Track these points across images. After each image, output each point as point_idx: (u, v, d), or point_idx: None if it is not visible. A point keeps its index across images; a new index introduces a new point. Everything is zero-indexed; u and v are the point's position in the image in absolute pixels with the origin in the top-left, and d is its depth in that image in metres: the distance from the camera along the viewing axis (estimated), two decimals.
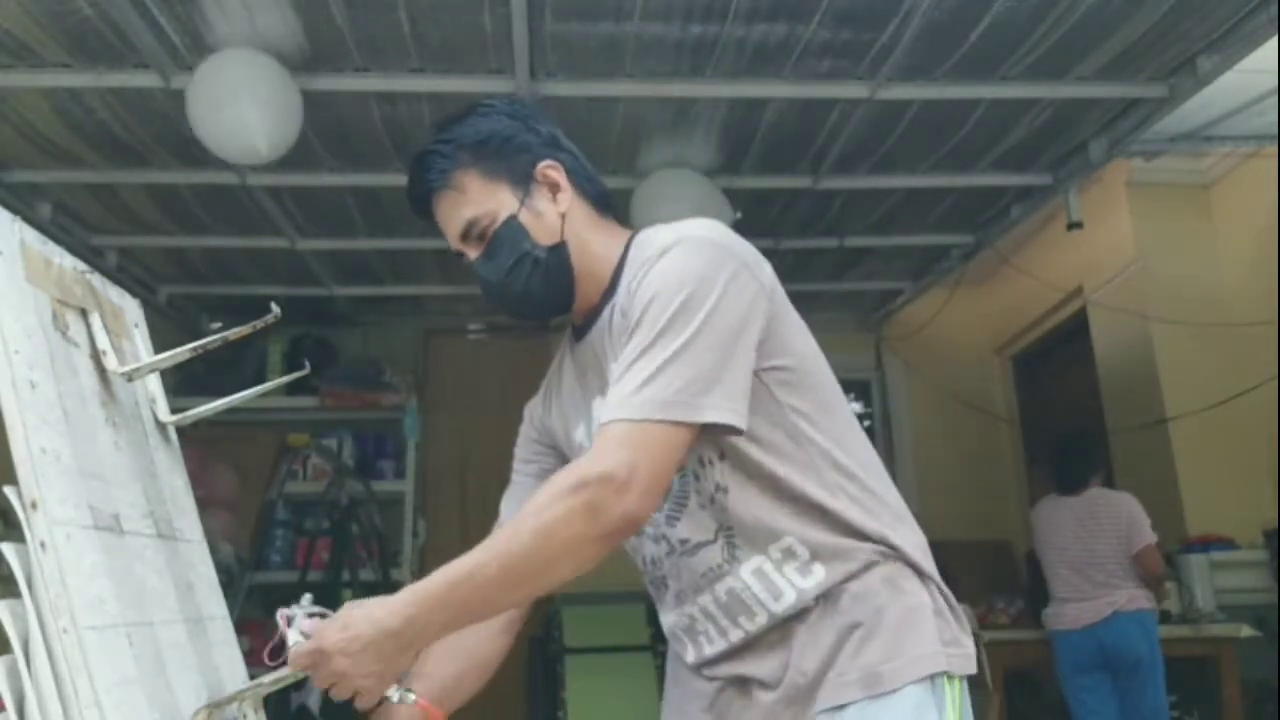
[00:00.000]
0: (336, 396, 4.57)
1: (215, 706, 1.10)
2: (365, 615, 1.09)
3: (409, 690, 1.15)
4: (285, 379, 1.52)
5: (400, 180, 3.77)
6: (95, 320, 1.19)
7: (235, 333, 1.26)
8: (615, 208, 1.43)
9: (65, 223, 3.55)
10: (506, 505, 1.48)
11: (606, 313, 1.33)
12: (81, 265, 1.23)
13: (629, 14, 2.53)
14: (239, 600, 4.04)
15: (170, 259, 4.15)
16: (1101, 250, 4.61)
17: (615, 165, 3.32)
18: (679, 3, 2.50)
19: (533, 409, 1.54)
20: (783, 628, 1.25)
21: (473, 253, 1.36)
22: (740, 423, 1.17)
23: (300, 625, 1.11)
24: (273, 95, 2.57)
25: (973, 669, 1.24)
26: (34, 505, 0.93)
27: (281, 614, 1.12)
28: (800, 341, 1.29)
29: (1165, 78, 2.97)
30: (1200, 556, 4.10)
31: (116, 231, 3.75)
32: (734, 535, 1.26)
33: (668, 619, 1.38)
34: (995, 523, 5.19)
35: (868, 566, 1.23)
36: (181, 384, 4.04)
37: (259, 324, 1.28)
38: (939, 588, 1.26)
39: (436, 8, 2.47)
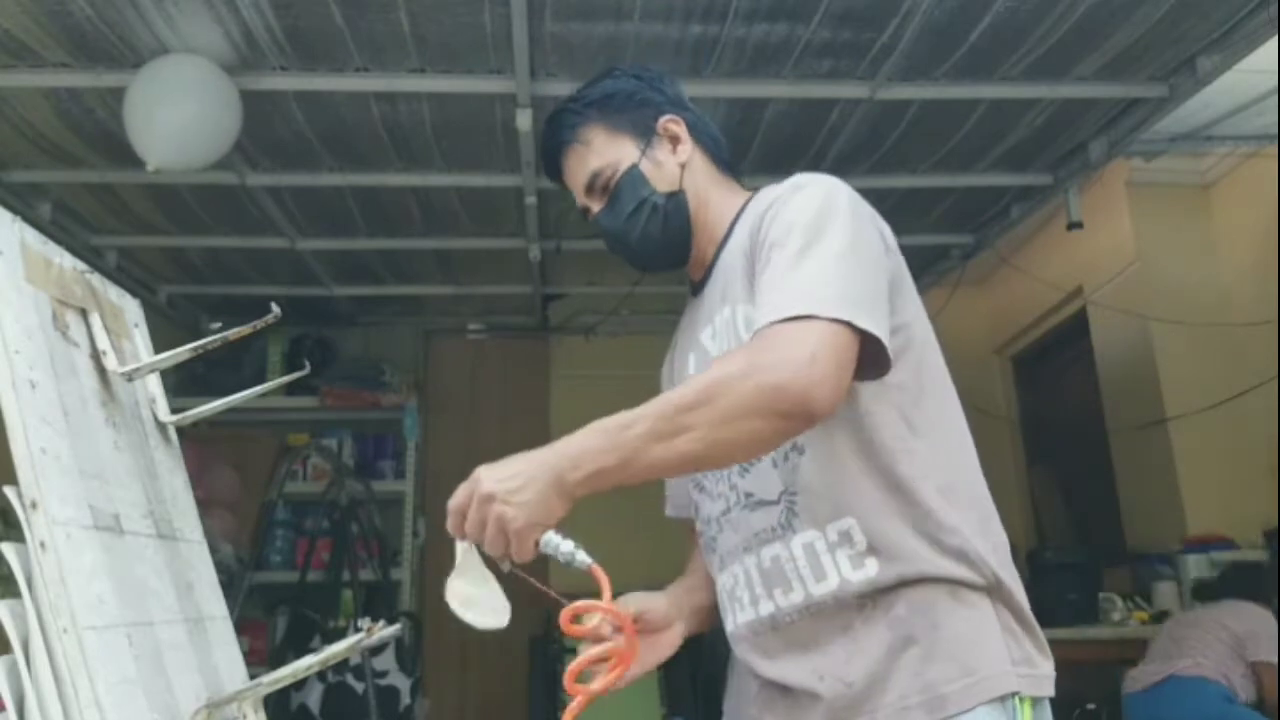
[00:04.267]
0: (336, 396, 4.57)
1: (215, 706, 1.10)
2: (518, 457, 1.07)
3: (579, 549, 1.07)
4: (285, 379, 1.53)
5: (400, 180, 3.79)
6: (95, 320, 1.20)
7: (235, 333, 1.27)
8: (737, 171, 1.49)
9: (65, 223, 3.54)
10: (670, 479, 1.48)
11: (720, 261, 1.36)
12: (81, 265, 1.23)
13: (629, 14, 2.53)
14: (239, 600, 4.04)
15: (170, 259, 4.15)
16: (1101, 250, 4.61)
17: None
18: (679, 3, 2.50)
19: (663, 378, 1.55)
20: (813, 626, 1.20)
21: (596, 206, 1.42)
22: (893, 355, 1.13)
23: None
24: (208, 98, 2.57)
25: (1049, 691, 1.17)
26: (34, 505, 0.93)
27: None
28: (912, 311, 1.25)
29: (1165, 78, 2.97)
30: (1200, 556, 4.09)
31: (116, 231, 3.75)
32: (796, 502, 1.22)
33: (717, 582, 1.36)
34: None
35: (927, 577, 1.15)
36: (181, 384, 4.04)
37: (259, 324, 1.28)
38: (1012, 603, 1.19)
39: (436, 8, 2.47)
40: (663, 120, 1.42)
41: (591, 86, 1.45)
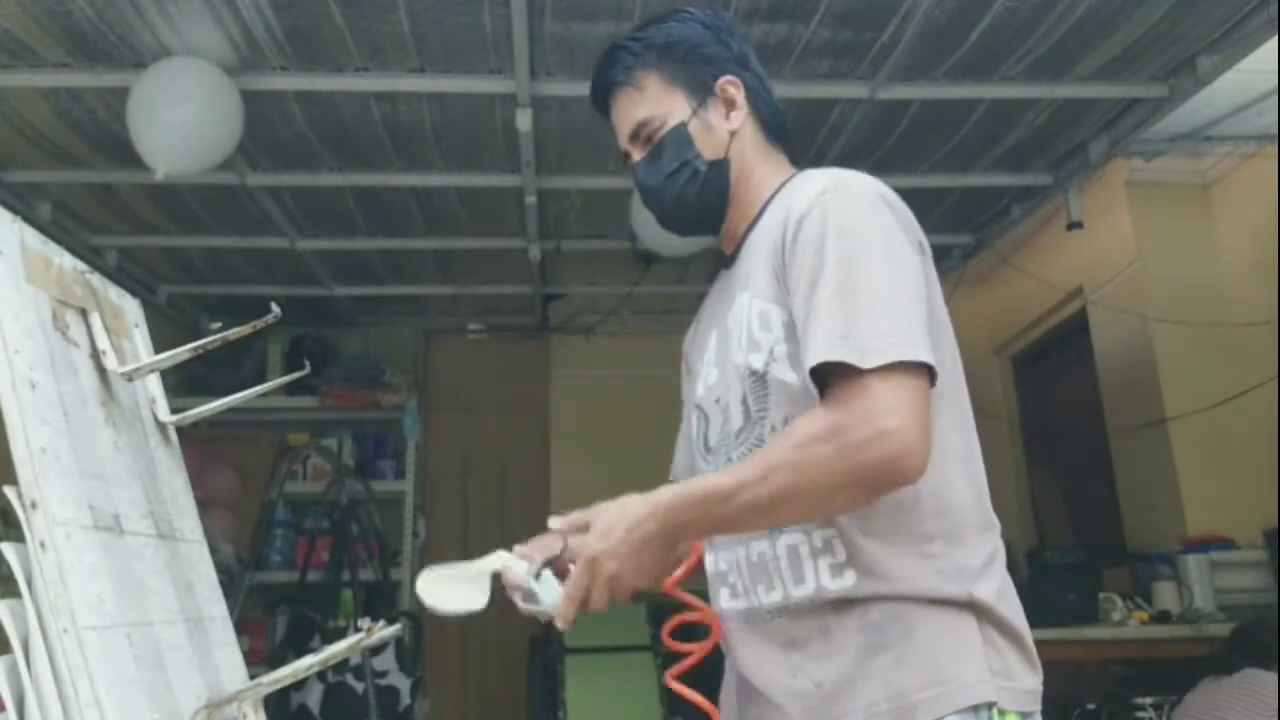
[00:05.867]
0: (336, 396, 4.57)
1: (215, 706, 1.10)
2: (620, 514, 1.12)
3: None
4: (285, 379, 1.53)
5: (400, 180, 3.79)
6: (95, 320, 1.20)
7: (235, 333, 1.27)
8: (789, 140, 1.43)
9: (65, 223, 3.54)
10: (679, 448, 1.49)
11: (749, 242, 1.33)
12: (81, 265, 1.23)
13: (629, 14, 2.53)
14: (239, 600, 4.04)
15: (170, 259, 4.15)
16: (1101, 250, 4.61)
17: (615, 166, 3.32)
18: (679, 3, 2.50)
19: (685, 344, 1.52)
20: (791, 625, 1.19)
21: (637, 155, 1.37)
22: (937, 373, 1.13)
23: (542, 587, 1.16)
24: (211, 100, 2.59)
25: (1032, 706, 1.14)
26: (34, 505, 0.93)
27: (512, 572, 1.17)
28: (937, 332, 1.21)
29: (1165, 78, 2.97)
30: (1200, 556, 4.09)
31: (116, 231, 3.75)
32: None
33: (708, 559, 1.36)
34: None
35: (903, 596, 1.14)
36: (181, 384, 4.04)
37: (259, 324, 1.28)
38: (995, 619, 1.15)
39: (436, 8, 2.47)
40: (722, 81, 1.36)
41: (657, 26, 1.38)
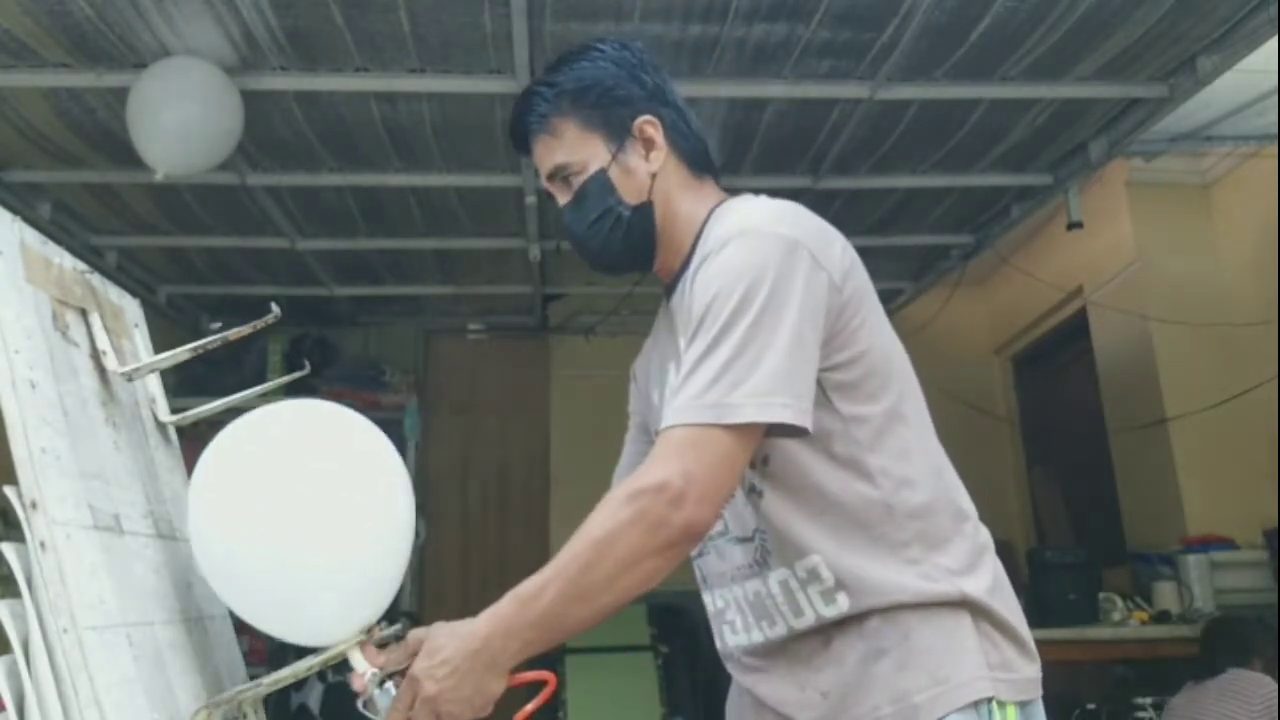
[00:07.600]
0: (336, 396, 4.55)
1: (215, 706, 1.10)
2: (449, 635, 1.10)
3: None
4: (285, 379, 1.53)
5: (400, 180, 3.79)
6: (95, 320, 1.19)
7: (235, 333, 1.27)
8: (713, 169, 1.40)
9: (65, 223, 3.55)
10: (624, 455, 1.51)
11: (683, 282, 1.30)
12: (81, 265, 1.22)
13: (629, 14, 2.53)
14: None
15: (170, 259, 4.15)
16: (1101, 250, 4.61)
17: None
18: (679, 3, 2.50)
19: (635, 364, 1.51)
20: (797, 643, 1.21)
21: (561, 197, 1.35)
22: (803, 421, 1.11)
23: (382, 696, 1.12)
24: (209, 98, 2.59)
25: (1032, 694, 1.16)
26: (34, 505, 0.93)
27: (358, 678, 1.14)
28: (870, 338, 1.21)
29: (1165, 78, 2.97)
30: (1200, 556, 4.09)
31: (116, 231, 3.75)
32: (766, 539, 1.22)
33: (706, 598, 1.36)
34: (996, 523, 5.09)
35: (897, 605, 1.15)
36: (181, 384, 4.04)
37: (259, 324, 1.28)
38: (988, 613, 1.17)
39: (436, 8, 2.47)
40: (639, 121, 1.32)
41: (569, 68, 1.34)
